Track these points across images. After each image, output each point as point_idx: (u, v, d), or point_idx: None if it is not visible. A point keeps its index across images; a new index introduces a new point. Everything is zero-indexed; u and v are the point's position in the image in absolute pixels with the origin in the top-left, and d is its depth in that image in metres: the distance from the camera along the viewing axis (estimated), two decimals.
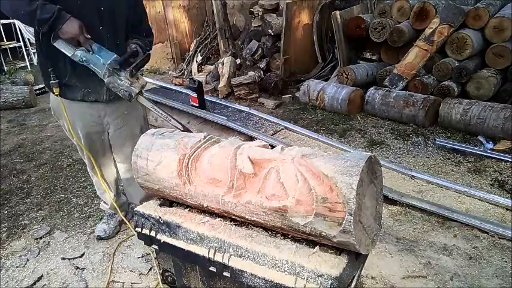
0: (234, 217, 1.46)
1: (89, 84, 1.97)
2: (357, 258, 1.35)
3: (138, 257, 2.31)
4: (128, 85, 1.85)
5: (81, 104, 2.03)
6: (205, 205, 1.50)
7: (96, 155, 2.22)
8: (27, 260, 2.36)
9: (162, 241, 1.60)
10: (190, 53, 6.99)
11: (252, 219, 1.38)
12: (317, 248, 1.32)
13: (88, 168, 2.39)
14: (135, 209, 1.69)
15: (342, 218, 1.16)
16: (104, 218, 2.57)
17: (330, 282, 1.19)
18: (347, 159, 1.23)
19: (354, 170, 1.18)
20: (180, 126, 1.96)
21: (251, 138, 3.47)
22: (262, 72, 5.66)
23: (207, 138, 1.62)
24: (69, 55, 1.82)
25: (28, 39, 8.10)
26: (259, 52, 5.96)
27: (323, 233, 1.22)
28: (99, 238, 2.48)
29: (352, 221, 1.15)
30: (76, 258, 2.35)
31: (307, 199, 1.22)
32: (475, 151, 3.37)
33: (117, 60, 1.85)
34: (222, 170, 1.45)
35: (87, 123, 2.10)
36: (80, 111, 2.06)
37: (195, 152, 1.54)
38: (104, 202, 2.53)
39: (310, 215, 1.22)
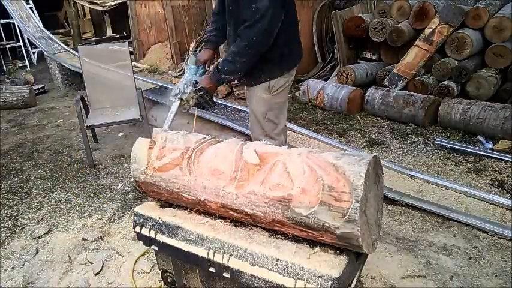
0: (232, 212, 1.45)
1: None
2: (357, 259, 1.35)
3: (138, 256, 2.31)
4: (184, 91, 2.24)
5: None
6: (202, 198, 1.49)
7: None
8: (26, 260, 2.36)
9: (161, 242, 1.60)
10: (190, 52, 6.98)
11: (252, 212, 1.38)
12: (317, 248, 1.32)
13: None
14: (134, 209, 1.69)
15: (347, 209, 1.17)
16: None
17: (330, 283, 1.19)
18: (354, 155, 1.29)
19: (362, 161, 1.22)
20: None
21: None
22: None
23: (211, 137, 1.67)
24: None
25: (28, 39, 8.05)
26: None
27: (326, 224, 1.21)
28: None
29: (358, 208, 1.15)
30: (76, 257, 2.35)
31: (313, 188, 1.23)
32: (474, 151, 3.37)
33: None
34: (227, 161, 1.46)
35: None
36: None
37: (199, 145, 1.57)
38: None
39: (314, 205, 1.22)
